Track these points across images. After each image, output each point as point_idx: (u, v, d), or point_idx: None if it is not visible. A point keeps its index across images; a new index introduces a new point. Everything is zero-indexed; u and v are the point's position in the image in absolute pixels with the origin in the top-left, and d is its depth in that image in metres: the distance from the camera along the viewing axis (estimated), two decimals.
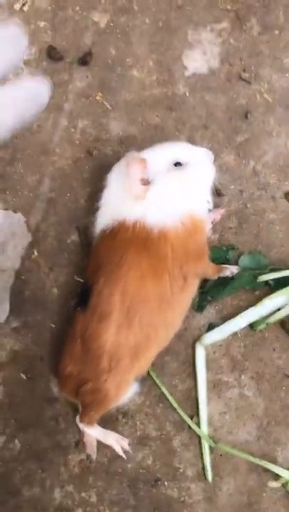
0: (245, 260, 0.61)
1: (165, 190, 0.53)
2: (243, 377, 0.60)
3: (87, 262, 0.58)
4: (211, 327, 0.60)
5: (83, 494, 0.59)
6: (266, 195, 0.63)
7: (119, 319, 0.51)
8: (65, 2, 0.65)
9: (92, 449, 0.57)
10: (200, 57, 0.65)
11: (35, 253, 0.62)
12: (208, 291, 0.60)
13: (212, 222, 0.62)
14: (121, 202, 0.53)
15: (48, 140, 0.63)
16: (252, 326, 0.60)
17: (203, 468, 0.58)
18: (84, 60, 0.64)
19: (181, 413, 0.58)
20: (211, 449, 0.58)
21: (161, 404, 0.60)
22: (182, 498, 0.58)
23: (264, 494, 0.58)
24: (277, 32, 0.65)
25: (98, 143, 0.63)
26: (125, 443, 0.56)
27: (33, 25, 0.65)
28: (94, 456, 0.57)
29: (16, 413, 0.59)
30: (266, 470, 0.58)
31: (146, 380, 0.59)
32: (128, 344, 0.52)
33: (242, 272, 0.60)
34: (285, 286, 0.59)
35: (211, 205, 0.58)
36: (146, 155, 0.54)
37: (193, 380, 0.59)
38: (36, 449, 0.59)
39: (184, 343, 0.60)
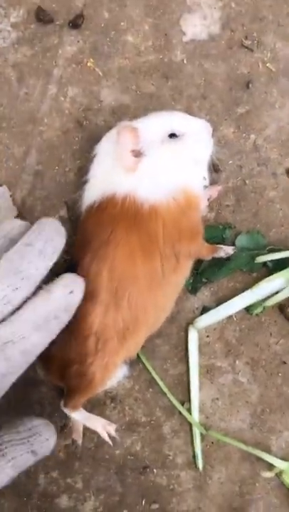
0: (242, 240, 0.58)
1: (158, 163, 0.50)
2: (237, 362, 0.57)
3: (74, 239, 0.55)
4: (205, 310, 0.57)
5: (69, 480, 0.57)
6: (267, 171, 0.59)
7: (106, 299, 0.48)
8: None
9: (78, 434, 0.55)
10: (199, 21, 0.60)
11: None
12: (203, 273, 0.58)
13: (208, 200, 0.58)
14: (110, 174, 0.50)
15: (36, 109, 0.60)
16: (248, 309, 0.57)
17: (194, 456, 0.56)
18: (75, 23, 0.60)
19: (172, 399, 0.56)
20: (202, 436, 0.56)
21: (151, 389, 0.57)
22: (171, 486, 0.56)
23: (257, 484, 0.56)
24: None
25: (89, 112, 0.60)
26: (112, 428, 0.53)
27: None
28: (80, 441, 0.55)
29: None
30: (259, 459, 0.56)
31: (136, 363, 0.57)
32: (116, 325, 0.49)
33: (239, 252, 0.57)
34: (284, 268, 0.56)
35: (207, 182, 0.55)
36: (139, 124, 0.51)
37: (185, 364, 0.57)
38: None
39: (177, 326, 0.58)
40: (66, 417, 0.55)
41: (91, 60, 0.60)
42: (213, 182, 0.58)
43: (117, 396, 0.57)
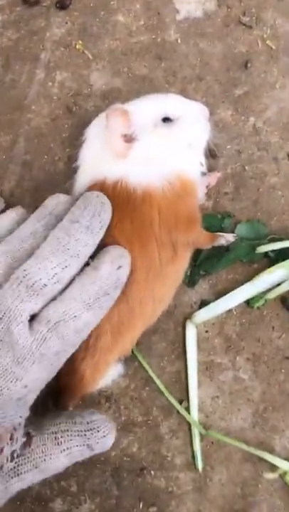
0: (242, 229, 0.55)
1: (151, 148, 0.48)
2: (238, 358, 0.55)
3: None
4: (203, 304, 0.55)
5: (63, 483, 0.54)
6: (267, 156, 0.56)
7: None
8: None
9: None
10: None
11: None
12: (201, 264, 0.55)
13: (207, 187, 0.56)
14: (100, 160, 0.48)
15: (23, 95, 0.57)
16: (249, 302, 0.54)
17: (193, 456, 0.54)
18: (62, 4, 0.57)
19: (170, 397, 0.54)
20: (201, 436, 0.54)
21: (147, 388, 0.55)
22: (170, 489, 0.54)
23: (259, 486, 0.53)
24: None
25: (79, 98, 0.57)
26: None
27: None
28: None
29: None
30: (262, 460, 0.53)
31: (131, 361, 0.54)
32: (110, 319, 0.46)
33: (239, 242, 0.55)
34: (286, 258, 0.53)
35: (204, 168, 0.52)
36: (130, 107, 0.48)
37: (183, 361, 0.54)
38: None
39: (174, 321, 0.55)
40: None
41: (80, 42, 0.57)
42: (210, 168, 0.55)
43: (112, 395, 0.55)
